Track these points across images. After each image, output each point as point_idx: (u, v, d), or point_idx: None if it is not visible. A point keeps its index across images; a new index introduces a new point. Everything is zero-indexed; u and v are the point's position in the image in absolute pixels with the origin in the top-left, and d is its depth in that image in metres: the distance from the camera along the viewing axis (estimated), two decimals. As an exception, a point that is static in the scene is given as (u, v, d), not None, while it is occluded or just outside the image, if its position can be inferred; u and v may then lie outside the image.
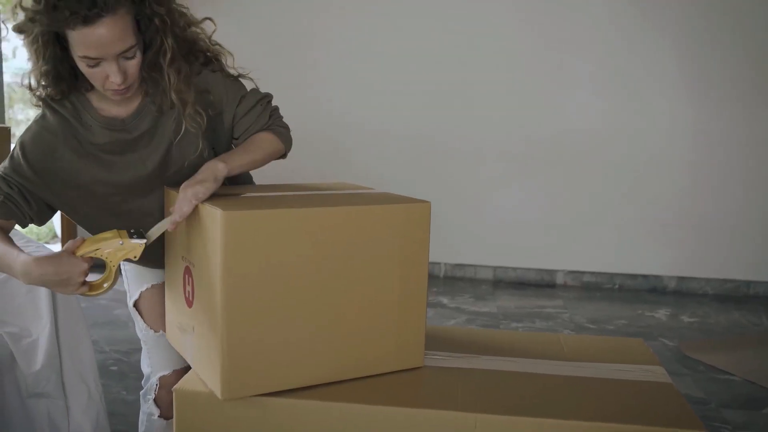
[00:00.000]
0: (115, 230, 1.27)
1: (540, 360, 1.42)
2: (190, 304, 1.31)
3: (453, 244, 4.36)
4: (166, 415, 1.60)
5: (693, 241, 4.22)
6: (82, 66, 1.24)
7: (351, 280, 1.26)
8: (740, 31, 4.03)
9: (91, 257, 1.23)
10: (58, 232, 4.59)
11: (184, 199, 1.24)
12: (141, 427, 1.66)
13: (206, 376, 1.25)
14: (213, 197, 1.27)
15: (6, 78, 4.49)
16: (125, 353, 2.91)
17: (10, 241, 1.32)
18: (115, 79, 1.24)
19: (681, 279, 4.26)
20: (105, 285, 1.26)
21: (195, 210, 1.25)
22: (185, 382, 1.27)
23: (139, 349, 2.91)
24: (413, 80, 4.30)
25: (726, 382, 2.82)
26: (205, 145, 1.40)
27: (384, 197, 1.37)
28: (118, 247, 1.24)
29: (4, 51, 4.32)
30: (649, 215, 4.23)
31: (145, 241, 1.26)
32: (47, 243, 5.35)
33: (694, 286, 4.25)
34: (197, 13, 1.44)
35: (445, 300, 3.94)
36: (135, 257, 1.25)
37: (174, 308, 1.42)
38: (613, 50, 4.13)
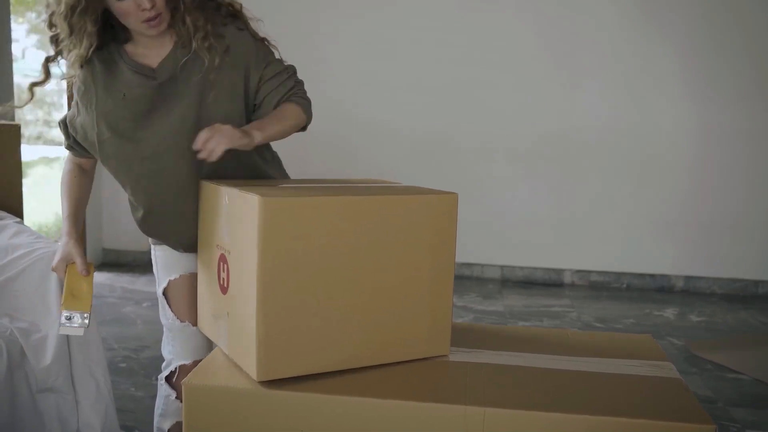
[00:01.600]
0: (86, 292, 1.47)
1: (548, 355, 1.42)
2: (224, 290, 1.33)
3: (460, 243, 4.32)
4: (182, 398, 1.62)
5: (700, 240, 4.21)
6: (113, 6, 1.32)
7: (383, 267, 1.28)
8: (744, 31, 4.02)
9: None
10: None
11: (217, 134, 1.28)
12: (157, 411, 1.69)
13: (241, 359, 1.27)
14: (249, 185, 1.30)
15: (16, 79, 4.52)
16: (134, 350, 2.92)
17: (79, 201, 1.59)
18: (145, 4, 1.30)
19: (688, 278, 4.24)
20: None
21: (231, 198, 1.27)
22: (194, 376, 1.27)
23: (148, 347, 2.94)
24: (421, 79, 4.30)
25: (734, 381, 2.81)
26: (235, 108, 1.43)
27: (414, 189, 1.41)
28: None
29: (13, 52, 4.37)
30: (657, 214, 4.22)
31: (63, 326, 1.44)
32: (56, 241, 5.36)
33: (701, 286, 4.23)
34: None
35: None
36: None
37: (207, 296, 1.44)
38: (621, 50, 4.13)
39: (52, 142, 11.48)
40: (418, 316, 1.34)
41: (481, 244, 4.40)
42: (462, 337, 1.50)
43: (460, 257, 4.38)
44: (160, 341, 1.66)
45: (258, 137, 1.36)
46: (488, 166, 4.32)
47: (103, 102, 1.42)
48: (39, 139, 12.04)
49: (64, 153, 1.65)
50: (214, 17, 1.41)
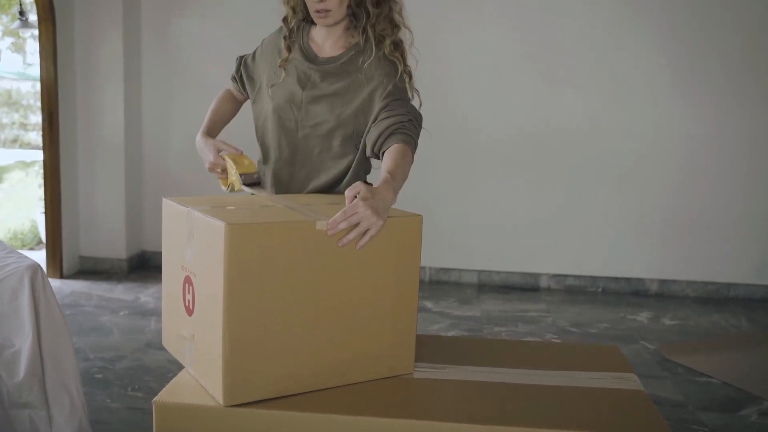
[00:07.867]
0: (248, 163, 1.65)
1: (515, 369, 1.45)
2: (190, 312, 1.34)
3: (438, 249, 4.39)
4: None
5: (675, 244, 4.27)
6: None
7: (347, 289, 1.30)
8: (728, 30, 4.07)
9: (223, 161, 1.66)
10: (43, 238, 4.59)
11: (361, 214, 1.25)
12: None
13: (207, 382, 1.28)
14: (212, 209, 1.30)
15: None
16: (110, 361, 2.91)
17: (220, 118, 1.79)
18: None
19: (663, 282, 4.31)
20: (224, 187, 1.69)
21: (196, 221, 1.28)
22: (165, 395, 1.28)
23: (124, 357, 2.94)
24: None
25: (705, 384, 2.87)
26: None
27: None
28: (233, 173, 1.63)
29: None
30: (632, 219, 4.28)
31: (246, 192, 1.60)
32: (32, 249, 5.35)
33: (675, 289, 4.30)
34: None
35: (429, 304, 3.97)
36: (232, 189, 1.64)
37: (172, 317, 1.44)
38: (602, 50, 4.17)
39: (29, 146, 11.34)
40: (382, 336, 1.36)
41: (458, 249, 4.43)
42: (430, 351, 1.53)
43: (438, 263, 4.45)
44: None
45: (390, 204, 1.36)
46: (466, 171, 4.35)
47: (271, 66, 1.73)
48: (15, 142, 11.89)
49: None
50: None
